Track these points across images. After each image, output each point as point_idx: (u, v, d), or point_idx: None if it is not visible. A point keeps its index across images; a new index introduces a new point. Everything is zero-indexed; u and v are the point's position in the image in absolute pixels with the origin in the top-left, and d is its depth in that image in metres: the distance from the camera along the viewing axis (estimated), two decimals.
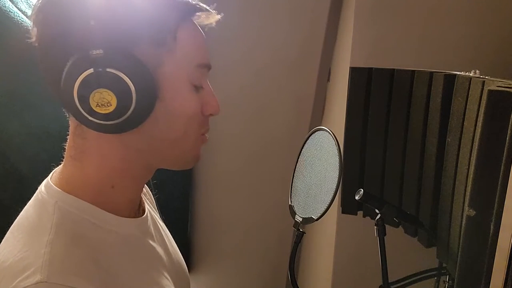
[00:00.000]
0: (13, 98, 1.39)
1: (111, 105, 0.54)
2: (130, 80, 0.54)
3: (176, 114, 0.60)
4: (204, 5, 0.62)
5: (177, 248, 0.79)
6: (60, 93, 0.55)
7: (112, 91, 0.53)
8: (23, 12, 1.38)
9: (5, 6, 1.34)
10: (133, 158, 0.61)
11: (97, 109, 0.54)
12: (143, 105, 0.55)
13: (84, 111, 0.54)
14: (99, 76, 0.53)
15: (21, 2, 1.39)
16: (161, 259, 0.70)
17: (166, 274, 0.69)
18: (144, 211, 0.70)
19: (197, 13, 0.62)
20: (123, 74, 0.53)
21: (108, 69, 0.53)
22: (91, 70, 0.53)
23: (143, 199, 0.73)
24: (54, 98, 0.59)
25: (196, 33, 0.63)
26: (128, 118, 0.55)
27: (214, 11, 0.64)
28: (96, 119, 0.55)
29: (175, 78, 0.59)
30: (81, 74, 0.53)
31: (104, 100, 0.53)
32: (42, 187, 0.62)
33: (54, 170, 0.65)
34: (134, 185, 0.65)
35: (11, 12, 1.35)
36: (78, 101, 0.54)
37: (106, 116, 0.54)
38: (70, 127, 0.62)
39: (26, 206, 0.62)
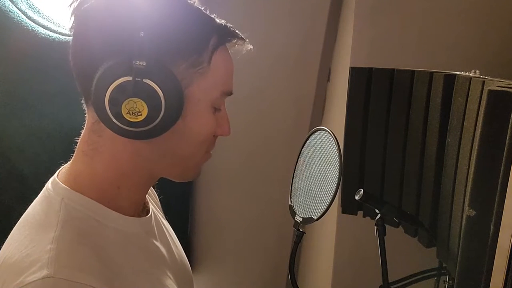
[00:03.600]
0: (13, 98, 1.39)
1: (141, 115, 0.55)
2: (163, 94, 0.55)
3: (192, 133, 0.62)
4: (240, 33, 0.64)
5: (181, 248, 0.79)
6: (89, 89, 0.56)
7: (145, 102, 0.54)
8: (23, 12, 1.38)
9: (5, 6, 1.34)
10: (141, 165, 0.62)
11: (126, 116, 0.55)
12: (167, 120, 0.57)
13: (112, 114, 0.55)
14: (137, 85, 0.54)
15: (21, 2, 1.40)
16: (165, 259, 0.70)
17: (169, 274, 0.69)
18: (148, 211, 0.71)
19: (233, 40, 0.64)
20: (158, 89, 0.55)
21: (145, 81, 0.54)
22: (129, 78, 0.54)
23: (148, 199, 0.73)
24: (77, 90, 0.60)
25: (228, 60, 0.64)
26: (149, 129, 0.56)
27: (247, 40, 0.65)
28: (120, 123, 0.55)
29: (200, 99, 0.61)
30: (119, 79, 0.54)
31: (136, 109, 0.55)
32: (49, 184, 0.63)
33: (61, 167, 0.66)
34: (139, 188, 0.66)
35: (11, 12, 1.35)
36: (109, 103, 0.54)
37: (131, 124, 0.55)
38: (86, 122, 0.63)
39: (32, 203, 0.63)
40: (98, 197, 0.61)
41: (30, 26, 1.37)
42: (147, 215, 0.69)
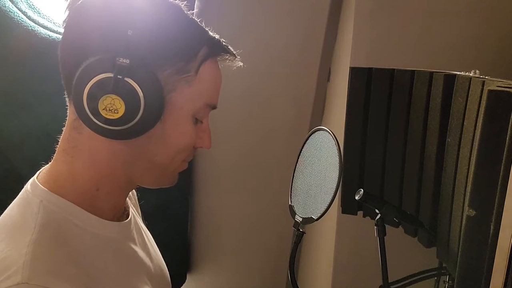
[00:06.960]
0: (13, 98, 1.39)
1: (117, 112, 0.54)
2: (143, 95, 0.54)
3: (170, 140, 0.61)
4: (232, 49, 0.64)
5: (159, 252, 0.79)
6: (71, 82, 0.56)
7: (123, 100, 0.54)
8: (23, 12, 1.38)
9: (5, 6, 1.33)
10: (118, 168, 0.62)
11: (103, 112, 0.54)
12: (145, 122, 0.56)
13: (88, 109, 0.55)
14: (117, 82, 0.53)
15: (21, 2, 1.39)
16: (143, 263, 0.69)
17: (146, 279, 0.69)
18: (128, 215, 0.70)
19: (224, 54, 0.64)
20: (139, 89, 0.54)
21: (126, 79, 0.54)
22: (110, 74, 0.53)
23: (128, 203, 0.73)
24: (61, 85, 0.60)
25: (216, 74, 0.64)
26: (125, 129, 0.56)
27: (238, 57, 0.65)
28: (97, 120, 0.55)
29: (182, 107, 0.60)
30: (100, 74, 0.53)
31: (113, 106, 0.54)
32: (28, 185, 0.62)
33: (42, 168, 0.65)
34: (118, 191, 0.65)
35: (11, 12, 1.35)
36: (86, 98, 0.54)
37: (107, 121, 0.55)
38: (67, 119, 0.62)
39: (11, 205, 0.62)
40: (78, 199, 0.60)
41: (30, 26, 1.37)
42: (127, 219, 0.69)
